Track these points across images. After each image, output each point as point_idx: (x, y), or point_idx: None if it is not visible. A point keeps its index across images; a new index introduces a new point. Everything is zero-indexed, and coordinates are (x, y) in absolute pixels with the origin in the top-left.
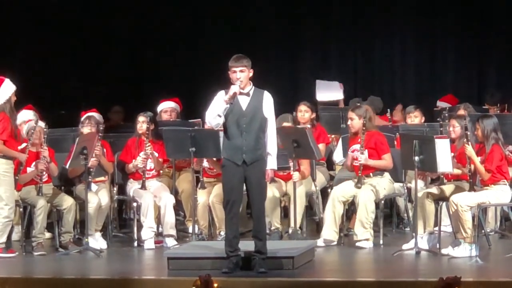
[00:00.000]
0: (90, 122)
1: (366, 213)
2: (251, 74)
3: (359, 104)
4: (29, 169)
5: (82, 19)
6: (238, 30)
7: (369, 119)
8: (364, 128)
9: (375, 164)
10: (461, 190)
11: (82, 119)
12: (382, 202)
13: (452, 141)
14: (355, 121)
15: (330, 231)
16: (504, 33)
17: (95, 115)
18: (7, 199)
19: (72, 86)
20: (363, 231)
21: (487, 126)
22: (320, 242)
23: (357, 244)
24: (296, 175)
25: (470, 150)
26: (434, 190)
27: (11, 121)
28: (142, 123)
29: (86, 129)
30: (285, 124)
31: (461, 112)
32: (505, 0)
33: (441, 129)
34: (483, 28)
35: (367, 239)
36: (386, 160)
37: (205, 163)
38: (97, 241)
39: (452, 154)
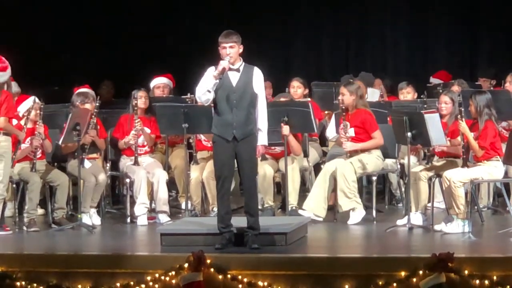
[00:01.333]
0: (93, 99)
1: (346, 183)
2: (241, 50)
3: (351, 80)
4: (23, 146)
5: None
6: (230, 5)
7: (360, 96)
8: (343, 113)
9: (363, 146)
10: (454, 166)
11: (78, 95)
12: (375, 178)
13: (442, 117)
14: (346, 97)
15: (318, 208)
16: (497, 9)
17: (90, 91)
18: (3, 177)
19: (63, 62)
20: (347, 201)
21: (480, 102)
22: (306, 213)
23: (348, 222)
24: (286, 128)
25: (464, 126)
26: (426, 168)
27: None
28: (145, 98)
29: (88, 106)
30: (282, 99)
31: (455, 88)
32: None
33: (425, 106)
34: (475, 4)
35: (353, 209)
36: (376, 138)
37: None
38: (91, 218)
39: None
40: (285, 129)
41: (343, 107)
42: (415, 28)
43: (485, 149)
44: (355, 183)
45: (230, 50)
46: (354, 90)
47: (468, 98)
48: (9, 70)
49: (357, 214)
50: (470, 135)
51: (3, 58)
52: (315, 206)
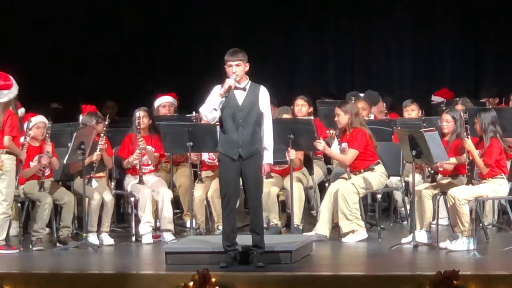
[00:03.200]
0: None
1: (347, 205)
2: (247, 68)
3: (354, 97)
4: (31, 164)
5: (78, 12)
6: (235, 23)
7: (355, 114)
8: (341, 134)
9: (332, 154)
10: (458, 184)
11: (91, 115)
12: (379, 196)
13: (443, 135)
14: (341, 117)
15: (323, 227)
16: (501, 26)
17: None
18: (6, 195)
19: (65, 80)
20: (348, 224)
21: (485, 119)
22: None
23: (343, 239)
24: (292, 153)
25: (469, 144)
26: (431, 186)
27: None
28: (143, 117)
29: (101, 125)
30: (285, 116)
31: (459, 107)
32: None
33: (424, 124)
34: (479, 22)
35: (353, 231)
36: (347, 156)
37: (205, 156)
38: (102, 241)
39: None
40: (292, 154)
41: (340, 127)
42: (420, 46)
43: (490, 166)
44: (356, 204)
45: (236, 68)
46: (348, 109)
47: (473, 115)
48: (14, 89)
49: (356, 236)
50: (476, 153)
51: (9, 76)
52: (320, 228)
